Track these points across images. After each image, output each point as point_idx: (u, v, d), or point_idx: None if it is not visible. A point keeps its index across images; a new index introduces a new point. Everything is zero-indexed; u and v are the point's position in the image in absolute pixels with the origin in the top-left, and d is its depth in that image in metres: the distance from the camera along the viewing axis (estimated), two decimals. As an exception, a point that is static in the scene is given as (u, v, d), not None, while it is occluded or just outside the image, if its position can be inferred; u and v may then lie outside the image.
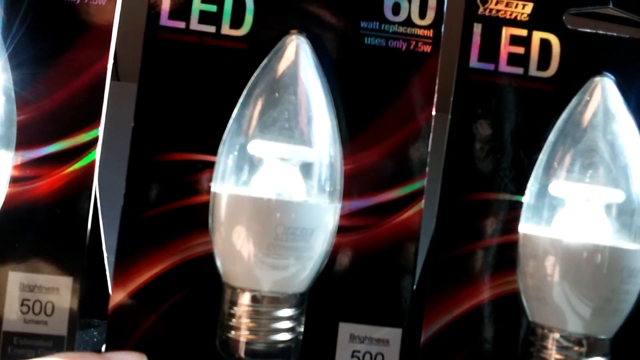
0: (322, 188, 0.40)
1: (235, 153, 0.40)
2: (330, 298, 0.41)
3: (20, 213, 0.40)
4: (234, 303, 0.39)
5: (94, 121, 0.40)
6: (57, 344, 0.40)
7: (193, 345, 0.40)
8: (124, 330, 0.39)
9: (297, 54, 0.41)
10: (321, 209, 0.39)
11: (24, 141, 0.40)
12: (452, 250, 0.41)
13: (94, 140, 0.40)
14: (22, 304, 0.40)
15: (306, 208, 0.38)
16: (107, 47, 0.40)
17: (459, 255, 0.41)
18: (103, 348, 0.40)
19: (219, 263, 0.40)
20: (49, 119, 0.40)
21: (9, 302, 0.40)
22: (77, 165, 0.40)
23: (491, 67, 0.42)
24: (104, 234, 0.45)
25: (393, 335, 0.41)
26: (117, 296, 0.39)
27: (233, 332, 0.39)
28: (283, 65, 0.41)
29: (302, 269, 0.39)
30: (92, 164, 0.40)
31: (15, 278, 0.40)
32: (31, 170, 0.40)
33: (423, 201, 0.41)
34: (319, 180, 0.40)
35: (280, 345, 0.39)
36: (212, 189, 0.40)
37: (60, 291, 0.40)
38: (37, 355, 0.39)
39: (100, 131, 0.40)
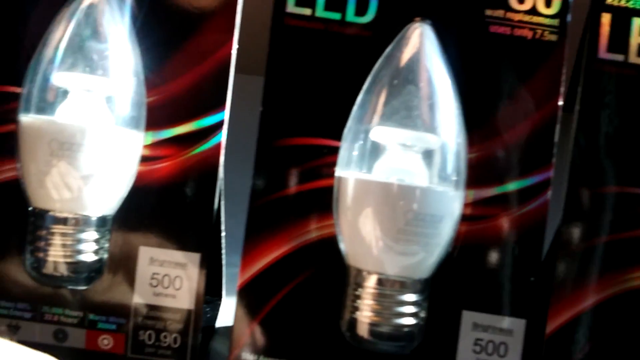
0: (447, 175, 0.40)
1: (360, 139, 0.41)
2: (454, 286, 0.41)
3: (150, 191, 0.42)
4: (359, 285, 0.39)
5: (219, 105, 0.42)
6: (184, 317, 0.41)
7: (316, 325, 0.40)
8: (250, 308, 0.40)
9: (422, 42, 0.42)
10: (447, 195, 0.39)
11: (152, 122, 0.42)
12: (577, 244, 0.41)
13: (220, 124, 0.42)
14: (152, 278, 0.41)
15: (435, 195, 0.39)
16: (231, 33, 0.42)
17: (585, 249, 0.40)
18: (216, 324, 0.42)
19: (344, 246, 0.40)
20: (176, 101, 0.42)
21: (139, 276, 0.41)
22: (204, 147, 0.42)
23: (621, 58, 0.41)
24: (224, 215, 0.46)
25: (517, 325, 0.40)
26: (245, 274, 0.40)
27: (358, 314, 0.39)
28: (407, 53, 0.41)
29: (428, 255, 0.39)
30: (219, 146, 0.42)
31: (146, 253, 0.42)
32: (160, 150, 0.42)
33: (549, 193, 0.41)
34: (444, 168, 0.40)
35: (404, 329, 0.39)
36: (338, 174, 0.41)
37: (187, 267, 0.41)
38: (165, 328, 0.41)
39: (226, 115, 0.42)
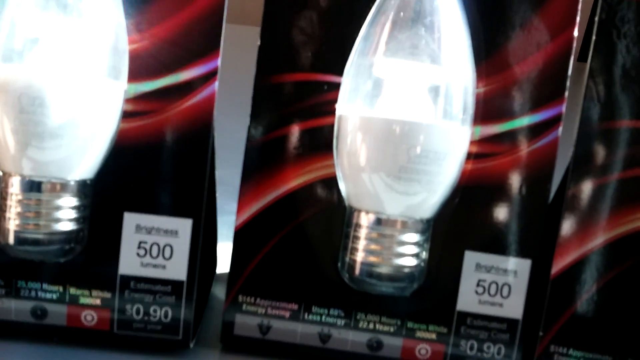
0: (453, 112, 0.38)
1: (362, 74, 0.39)
2: (455, 226, 0.39)
3: (136, 150, 0.38)
4: (359, 226, 0.38)
5: (211, 52, 0.38)
6: (175, 289, 0.38)
7: (314, 267, 0.40)
8: (247, 250, 0.39)
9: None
10: (453, 132, 0.38)
11: (137, 73, 0.38)
12: (587, 181, 0.39)
13: (214, 72, 0.38)
14: (138, 247, 0.38)
15: (439, 131, 0.37)
16: None
17: (595, 187, 0.39)
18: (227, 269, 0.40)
19: (344, 186, 0.39)
20: (162, 49, 0.38)
21: (125, 245, 0.38)
22: (195, 99, 0.38)
23: (643, -17, 0.39)
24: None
25: (521, 266, 0.39)
26: (242, 216, 0.39)
27: (357, 255, 0.39)
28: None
29: (432, 194, 0.38)
30: (212, 97, 0.38)
31: (131, 219, 0.38)
32: (145, 104, 0.38)
33: (560, 129, 0.39)
34: (450, 104, 0.38)
35: (405, 270, 0.39)
36: (339, 112, 0.39)
37: (179, 234, 0.38)
38: (155, 301, 0.38)
39: (219, 62, 0.38)
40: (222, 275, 0.48)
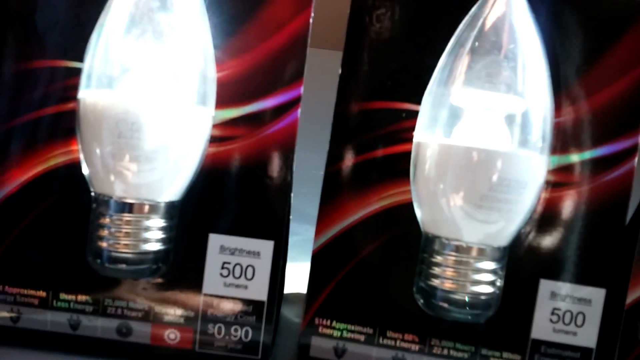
0: (531, 140, 0.39)
1: (441, 103, 0.40)
2: (530, 255, 0.40)
3: (220, 174, 0.39)
4: (436, 252, 0.39)
5: (296, 78, 0.39)
6: (257, 310, 0.39)
7: (390, 290, 0.40)
8: (325, 273, 0.40)
9: (508, 2, 0.40)
10: (532, 161, 0.38)
11: (225, 99, 0.39)
12: (665, 212, 0.39)
13: (297, 99, 0.39)
14: (222, 267, 0.39)
15: (518, 160, 0.38)
16: (308, 2, 0.40)
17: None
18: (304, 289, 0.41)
19: (421, 212, 0.40)
20: (248, 77, 0.39)
21: (209, 265, 0.39)
22: (279, 125, 0.39)
23: None
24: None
25: (596, 295, 0.40)
26: (320, 239, 0.40)
27: (433, 281, 0.39)
28: (493, 14, 0.40)
29: (509, 222, 0.38)
30: (295, 123, 0.39)
31: (216, 240, 0.39)
32: (232, 130, 0.39)
33: (636, 159, 0.39)
34: (528, 132, 0.39)
35: (480, 298, 0.39)
36: (416, 139, 0.40)
37: (261, 255, 0.39)
38: (236, 321, 0.39)
39: (301, 89, 0.40)
40: (288, 295, 0.49)
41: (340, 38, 0.41)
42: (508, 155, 0.37)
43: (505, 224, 0.38)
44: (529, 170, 0.38)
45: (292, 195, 0.43)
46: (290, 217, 0.45)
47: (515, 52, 0.39)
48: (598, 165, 0.39)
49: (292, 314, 0.47)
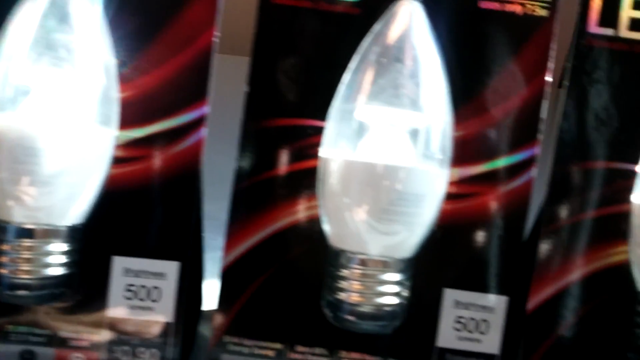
0: (432, 154, 0.40)
1: (345, 119, 0.40)
2: (436, 264, 0.41)
3: (125, 195, 0.39)
4: (342, 266, 0.40)
5: (201, 97, 0.39)
6: (165, 331, 0.39)
7: (300, 306, 0.41)
8: (234, 290, 0.40)
9: (410, 19, 0.40)
10: (432, 175, 0.39)
11: (129, 119, 0.39)
12: (562, 220, 0.41)
13: (202, 119, 0.39)
14: (127, 290, 0.39)
15: (418, 174, 0.38)
16: (212, 20, 0.40)
17: (570, 225, 0.41)
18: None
19: (327, 227, 0.40)
20: (152, 96, 0.39)
21: (114, 288, 0.39)
22: (184, 144, 0.39)
23: (611, 32, 0.40)
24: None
25: (499, 302, 0.41)
26: (229, 257, 0.40)
27: (340, 294, 0.40)
28: (396, 31, 0.40)
29: (411, 234, 0.39)
30: (200, 143, 0.39)
31: (120, 263, 0.39)
32: (134, 151, 0.39)
33: (535, 169, 0.41)
34: (429, 147, 0.40)
35: (387, 309, 0.40)
36: (322, 155, 0.40)
37: (167, 276, 0.39)
38: (143, 343, 0.39)
39: (207, 108, 0.40)
40: (208, 312, 0.49)
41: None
42: (406, 170, 0.38)
43: (407, 235, 0.39)
44: (428, 183, 0.39)
45: (205, 207, 0.43)
46: (207, 229, 0.45)
47: (417, 67, 0.40)
48: (498, 176, 0.41)
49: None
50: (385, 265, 0.39)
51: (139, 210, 0.39)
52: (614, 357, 0.40)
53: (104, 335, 0.39)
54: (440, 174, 0.40)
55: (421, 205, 0.38)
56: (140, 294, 0.39)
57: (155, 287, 0.39)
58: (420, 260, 0.41)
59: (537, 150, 0.40)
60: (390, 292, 0.40)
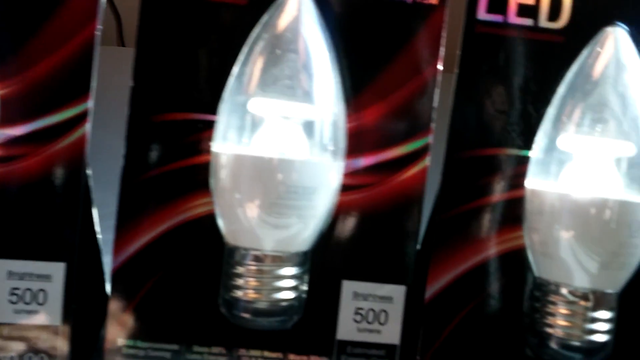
0: (325, 146, 0.39)
1: (236, 112, 0.39)
2: (333, 256, 0.40)
3: (6, 196, 0.37)
4: (236, 263, 0.39)
5: (83, 94, 0.38)
6: (50, 335, 0.38)
7: (195, 305, 0.40)
8: (125, 292, 0.39)
9: (299, 9, 0.40)
10: (323, 167, 0.38)
11: (5, 118, 0.37)
12: (458, 207, 0.41)
13: (85, 114, 0.38)
14: (11, 294, 0.37)
15: (308, 166, 0.38)
16: (94, 14, 0.38)
17: (465, 212, 0.41)
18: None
19: (221, 223, 0.39)
20: (33, 92, 0.38)
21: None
22: (67, 141, 0.38)
23: (500, 18, 0.40)
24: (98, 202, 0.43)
25: (397, 292, 0.41)
26: (119, 258, 0.39)
27: (236, 292, 0.39)
28: (284, 21, 0.40)
29: (304, 227, 0.38)
30: (83, 138, 0.38)
31: (2, 266, 0.37)
32: (16, 149, 0.37)
33: (428, 158, 0.40)
34: (322, 138, 0.39)
35: (284, 304, 0.39)
36: (213, 149, 0.39)
37: (52, 278, 0.38)
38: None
39: (90, 103, 0.38)
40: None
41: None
42: (296, 163, 0.37)
43: (300, 229, 0.38)
44: (320, 176, 0.38)
45: (95, 210, 0.41)
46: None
47: (308, 58, 0.39)
48: (391, 167, 0.40)
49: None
50: (280, 260, 0.39)
51: (22, 211, 0.38)
52: (513, 342, 0.41)
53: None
54: (333, 166, 0.39)
55: (313, 198, 0.38)
56: (26, 298, 0.37)
57: (42, 290, 0.38)
58: (317, 252, 0.40)
59: (430, 138, 0.40)
60: (287, 286, 0.39)
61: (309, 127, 0.39)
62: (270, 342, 0.40)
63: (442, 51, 0.40)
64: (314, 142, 0.39)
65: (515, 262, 0.41)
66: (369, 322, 0.40)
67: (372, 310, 0.40)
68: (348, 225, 0.40)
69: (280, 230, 0.38)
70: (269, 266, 0.39)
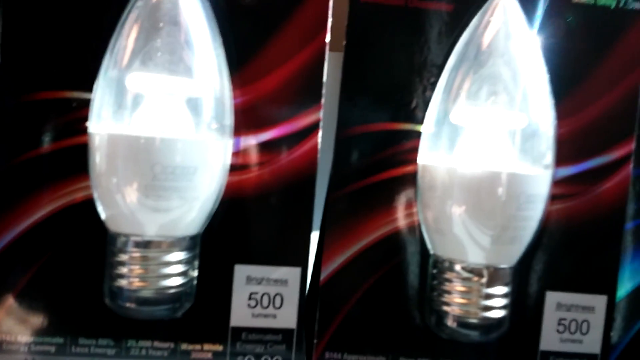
0: (208, 124, 0.37)
1: (111, 88, 0.37)
2: (225, 240, 0.39)
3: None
4: (119, 250, 0.37)
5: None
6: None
7: (79, 296, 0.38)
8: (3, 284, 0.37)
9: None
10: (204, 146, 0.37)
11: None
12: (349, 185, 0.39)
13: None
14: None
15: (185, 145, 0.36)
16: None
17: (358, 190, 0.39)
18: None
19: (100, 209, 0.37)
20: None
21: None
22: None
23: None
24: None
25: (292, 274, 0.39)
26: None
27: (120, 281, 0.37)
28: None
29: (188, 210, 0.36)
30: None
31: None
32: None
33: (319, 135, 0.39)
34: (204, 116, 0.37)
35: (171, 291, 0.38)
36: (89, 130, 0.37)
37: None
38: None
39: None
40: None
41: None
42: (173, 142, 0.35)
43: (184, 212, 0.36)
44: (200, 155, 0.36)
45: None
46: None
47: (189, 31, 0.37)
48: (283, 144, 0.39)
49: None
50: (165, 245, 0.37)
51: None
52: (409, 318, 0.40)
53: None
54: (217, 145, 0.37)
55: (194, 179, 0.36)
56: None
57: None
58: (209, 236, 0.39)
59: (320, 114, 0.39)
60: (174, 273, 0.37)
61: (193, 103, 0.37)
62: (160, 331, 0.38)
63: (329, 23, 0.39)
64: (196, 120, 0.37)
65: (411, 239, 0.40)
66: (263, 307, 0.39)
67: (267, 294, 0.39)
68: (240, 207, 0.39)
69: (161, 214, 0.36)
70: (153, 252, 0.37)
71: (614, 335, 0.41)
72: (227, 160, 0.38)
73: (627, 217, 0.41)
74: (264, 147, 0.39)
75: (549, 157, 0.39)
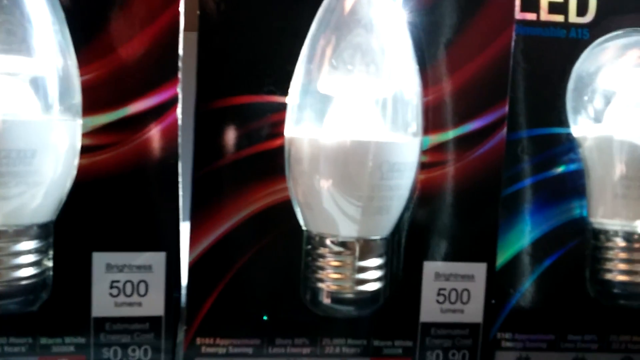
0: (49, 104, 0.35)
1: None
2: (81, 227, 0.37)
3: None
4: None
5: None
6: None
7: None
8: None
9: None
10: (43, 127, 0.34)
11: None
12: (213, 162, 0.38)
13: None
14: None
15: (20, 127, 0.33)
16: None
17: (222, 167, 0.38)
18: None
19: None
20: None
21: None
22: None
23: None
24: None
25: (156, 259, 0.37)
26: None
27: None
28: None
29: (31, 197, 0.34)
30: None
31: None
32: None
33: (178, 109, 0.37)
34: (46, 96, 0.35)
35: (24, 283, 0.35)
36: None
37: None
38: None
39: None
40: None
41: None
42: (4, 123, 0.33)
43: (26, 199, 0.34)
44: (37, 138, 0.33)
45: None
46: None
47: (26, 5, 0.35)
48: (138, 121, 0.37)
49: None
50: (12, 234, 0.34)
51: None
52: (283, 298, 0.38)
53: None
54: (59, 126, 0.35)
55: (34, 163, 0.33)
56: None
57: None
58: (63, 224, 0.36)
59: (176, 89, 0.37)
60: (25, 263, 0.35)
61: (33, 83, 0.35)
62: (17, 326, 0.36)
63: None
64: (38, 101, 0.35)
65: (283, 216, 0.38)
66: (127, 295, 0.37)
67: (130, 281, 0.37)
68: (95, 191, 0.37)
69: (2, 202, 0.34)
70: (3, 242, 0.34)
71: (496, 303, 0.40)
72: (76, 141, 0.36)
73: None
74: (117, 125, 0.36)
75: (414, 125, 0.38)
